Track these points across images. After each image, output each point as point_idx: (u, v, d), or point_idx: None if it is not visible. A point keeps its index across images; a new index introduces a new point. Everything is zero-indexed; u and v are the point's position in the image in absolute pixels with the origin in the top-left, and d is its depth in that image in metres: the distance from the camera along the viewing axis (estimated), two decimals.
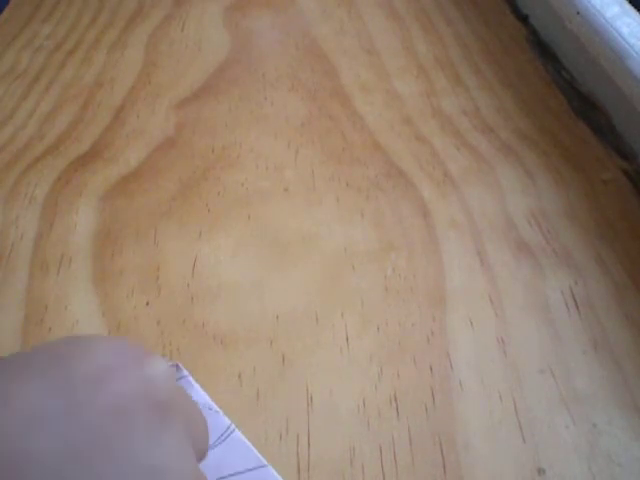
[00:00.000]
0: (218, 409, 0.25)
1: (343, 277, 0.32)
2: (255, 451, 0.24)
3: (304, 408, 0.27)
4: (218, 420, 0.25)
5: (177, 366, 0.26)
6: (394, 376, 0.28)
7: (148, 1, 0.57)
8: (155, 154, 0.40)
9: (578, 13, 0.45)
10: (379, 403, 0.27)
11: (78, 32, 0.52)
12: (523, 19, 0.53)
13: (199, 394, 0.26)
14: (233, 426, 0.25)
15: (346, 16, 0.54)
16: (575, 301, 0.31)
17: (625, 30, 0.41)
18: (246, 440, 0.24)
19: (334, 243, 0.34)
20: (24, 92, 0.45)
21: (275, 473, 0.23)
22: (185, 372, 0.26)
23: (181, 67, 0.48)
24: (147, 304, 0.31)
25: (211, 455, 0.24)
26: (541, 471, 0.24)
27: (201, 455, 0.19)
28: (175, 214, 0.36)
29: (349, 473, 0.24)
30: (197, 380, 0.26)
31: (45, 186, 0.37)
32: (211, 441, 0.24)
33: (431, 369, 0.28)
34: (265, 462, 0.24)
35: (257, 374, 0.28)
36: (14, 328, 0.30)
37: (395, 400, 0.27)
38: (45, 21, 0.54)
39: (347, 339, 0.29)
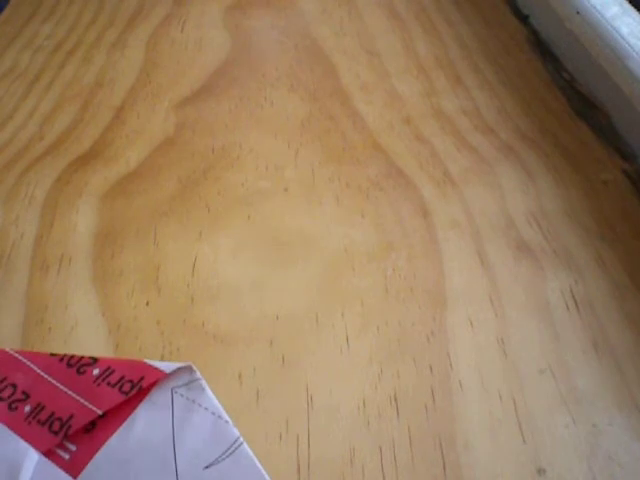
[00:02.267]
0: (228, 419, 0.25)
1: (343, 277, 0.32)
2: (261, 469, 0.23)
3: (304, 408, 0.27)
4: (227, 431, 0.24)
5: (190, 368, 0.26)
6: (394, 376, 0.28)
7: (148, 1, 0.57)
8: (155, 154, 0.40)
9: (578, 13, 0.45)
10: (379, 403, 0.27)
11: (78, 32, 0.52)
12: (523, 19, 0.53)
13: (210, 401, 0.25)
14: (241, 439, 0.24)
15: (346, 16, 0.54)
16: (575, 301, 0.31)
17: (625, 30, 0.41)
18: (253, 456, 0.24)
19: (334, 243, 0.34)
20: (24, 92, 0.45)
21: None
22: (198, 375, 0.26)
23: (181, 67, 0.48)
24: (147, 304, 0.31)
25: (218, 470, 0.23)
26: (541, 471, 0.24)
27: None
28: (175, 214, 0.36)
29: (349, 473, 0.24)
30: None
31: (45, 186, 0.37)
32: (218, 453, 0.24)
33: (431, 369, 0.28)
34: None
35: (257, 374, 0.28)
36: (14, 328, 0.30)
37: (395, 400, 0.27)
38: (45, 21, 0.54)
39: (347, 339, 0.29)
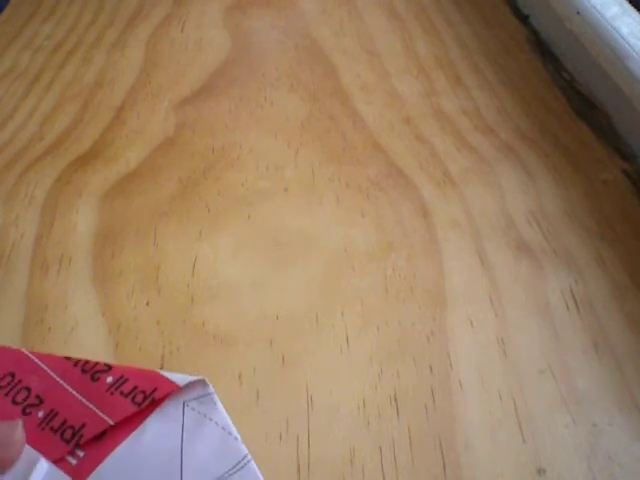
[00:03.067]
0: (237, 435, 0.24)
1: (343, 277, 0.32)
2: None
3: (304, 408, 0.27)
4: (236, 447, 0.24)
5: (203, 382, 0.26)
6: (394, 376, 0.28)
7: (148, 1, 0.57)
8: (155, 154, 0.40)
9: (578, 13, 0.45)
10: (379, 403, 0.27)
11: (78, 32, 0.52)
12: (523, 19, 0.53)
13: (220, 415, 0.25)
14: (249, 456, 0.24)
15: (346, 16, 0.54)
16: (575, 301, 0.31)
17: (625, 30, 0.41)
18: (260, 474, 0.24)
19: (334, 243, 0.34)
20: (24, 92, 0.45)
21: None
22: (211, 389, 0.26)
23: (181, 67, 0.48)
24: (147, 304, 0.31)
25: None
26: (541, 471, 0.24)
27: None
28: (175, 214, 0.36)
29: (349, 473, 0.24)
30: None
31: (45, 186, 0.37)
32: (225, 468, 0.23)
33: (431, 369, 0.28)
34: None
35: (257, 374, 0.28)
36: (14, 328, 0.30)
37: (395, 400, 0.27)
38: (45, 21, 0.54)
39: (347, 339, 0.29)
